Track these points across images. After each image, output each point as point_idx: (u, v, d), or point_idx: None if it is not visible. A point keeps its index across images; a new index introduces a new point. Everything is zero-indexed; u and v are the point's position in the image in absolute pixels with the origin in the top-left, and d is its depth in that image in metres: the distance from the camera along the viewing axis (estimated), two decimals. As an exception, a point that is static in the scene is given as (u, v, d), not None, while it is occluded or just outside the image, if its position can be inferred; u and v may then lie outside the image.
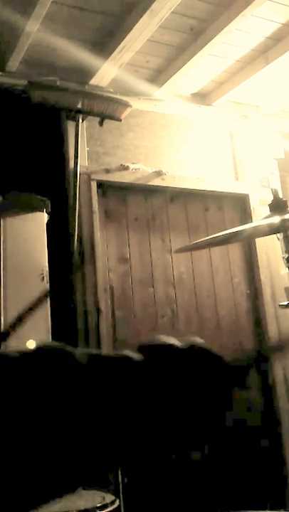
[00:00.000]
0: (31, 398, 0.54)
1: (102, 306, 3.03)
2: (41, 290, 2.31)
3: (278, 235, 2.27)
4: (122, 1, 2.66)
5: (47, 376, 0.56)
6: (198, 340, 0.63)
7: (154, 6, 2.58)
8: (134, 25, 2.72)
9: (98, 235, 3.13)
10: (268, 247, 3.62)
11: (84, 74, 3.19)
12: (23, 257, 2.34)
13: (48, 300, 2.32)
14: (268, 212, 2.22)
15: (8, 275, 2.28)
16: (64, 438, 0.54)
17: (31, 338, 2.21)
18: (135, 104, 3.26)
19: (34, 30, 2.69)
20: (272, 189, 2.23)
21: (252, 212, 3.65)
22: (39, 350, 0.61)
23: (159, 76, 3.38)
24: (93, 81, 3.22)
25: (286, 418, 3.37)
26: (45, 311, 2.30)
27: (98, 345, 2.95)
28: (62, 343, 0.61)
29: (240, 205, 3.72)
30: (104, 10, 2.72)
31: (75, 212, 2.97)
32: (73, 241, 2.93)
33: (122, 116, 3.08)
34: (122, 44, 2.86)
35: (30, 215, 2.42)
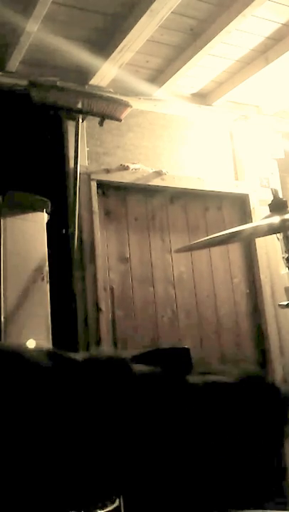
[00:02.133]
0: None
1: (102, 305, 3.03)
2: (41, 290, 2.31)
3: (278, 235, 2.27)
4: (122, 1, 2.66)
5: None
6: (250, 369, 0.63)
7: (154, 6, 2.58)
8: (134, 25, 2.72)
9: (98, 234, 3.13)
10: (268, 247, 3.62)
11: (84, 74, 3.20)
12: (23, 257, 2.34)
13: (48, 299, 2.32)
14: (267, 212, 2.22)
15: (8, 275, 2.28)
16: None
17: (31, 338, 2.21)
18: (135, 104, 3.26)
19: (34, 30, 2.69)
20: (272, 189, 2.23)
21: (252, 212, 3.65)
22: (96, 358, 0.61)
23: (159, 76, 3.38)
24: (93, 81, 3.23)
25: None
26: (46, 310, 2.30)
27: (98, 345, 2.95)
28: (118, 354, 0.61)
29: (240, 205, 3.72)
30: (104, 10, 2.72)
31: (75, 212, 2.97)
32: (73, 241, 2.93)
33: (122, 116, 3.08)
34: (122, 44, 2.86)
35: (30, 215, 2.42)
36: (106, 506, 0.92)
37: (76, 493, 0.55)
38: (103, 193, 3.29)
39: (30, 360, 0.60)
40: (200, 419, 0.59)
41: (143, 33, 2.80)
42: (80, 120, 3.00)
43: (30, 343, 2.13)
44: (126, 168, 3.33)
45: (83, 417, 0.55)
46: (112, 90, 3.30)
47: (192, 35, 2.99)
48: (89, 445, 0.54)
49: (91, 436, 0.54)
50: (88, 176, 3.18)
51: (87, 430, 0.55)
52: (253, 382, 0.63)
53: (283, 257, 2.24)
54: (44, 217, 2.47)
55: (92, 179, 3.20)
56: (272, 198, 2.19)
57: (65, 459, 0.53)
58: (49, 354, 0.60)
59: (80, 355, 0.61)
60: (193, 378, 0.63)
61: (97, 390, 0.56)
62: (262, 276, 3.56)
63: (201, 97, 3.68)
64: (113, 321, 3.12)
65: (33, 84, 2.86)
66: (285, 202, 2.18)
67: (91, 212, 3.14)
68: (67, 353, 0.63)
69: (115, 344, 3.07)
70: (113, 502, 0.96)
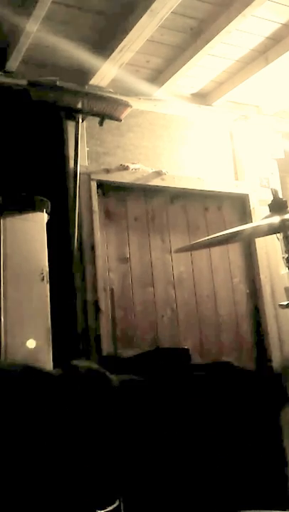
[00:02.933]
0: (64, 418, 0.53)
1: (102, 306, 3.03)
2: (41, 290, 2.31)
3: (278, 235, 2.27)
4: (122, 1, 2.66)
5: (83, 398, 0.55)
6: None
7: (154, 6, 2.58)
8: (134, 25, 2.72)
9: (98, 235, 3.13)
10: (268, 247, 3.62)
11: (84, 74, 3.19)
12: (23, 257, 2.34)
13: (48, 300, 2.32)
14: (267, 212, 2.22)
15: (8, 275, 2.28)
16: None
17: (31, 338, 2.21)
18: (135, 104, 3.26)
19: (34, 30, 2.69)
20: (272, 189, 2.23)
21: (252, 212, 3.65)
22: (75, 370, 0.61)
23: (159, 76, 3.38)
24: (93, 81, 3.22)
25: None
26: (45, 310, 2.30)
27: (98, 345, 2.94)
28: (96, 366, 0.61)
29: (240, 205, 3.72)
30: (104, 10, 2.72)
31: (75, 212, 2.97)
32: (73, 241, 2.93)
33: (122, 116, 3.09)
34: (122, 44, 2.86)
35: (30, 215, 2.42)
36: (106, 507, 0.92)
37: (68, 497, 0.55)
38: (103, 193, 3.29)
39: (3, 374, 0.60)
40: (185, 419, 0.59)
41: (143, 33, 2.80)
42: (80, 120, 3.00)
43: (30, 343, 2.12)
44: (126, 168, 3.33)
45: (66, 422, 0.55)
46: (112, 90, 3.30)
47: (192, 35, 2.99)
48: (73, 449, 0.53)
49: (75, 441, 0.54)
50: (88, 176, 3.18)
51: (71, 435, 0.55)
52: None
53: (283, 257, 2.23)
54: (44, 217, 2.47)
55: (92, 179, 3.20)
56: (272, 198, 2.19)
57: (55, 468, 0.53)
58: (24, 369, 0.59)
59: (55, 370, 0.61)
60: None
61: (75, 403, 0.56)
62: (262, 277, 3.56)
63: (201, 97, 3.68)
64: (113, 321, 3.11)
65: (32, 84, 2.86)
66: (285, 202, 2.18)
67: (91, 212, 3.14)
68: (42, 367, 0.63)
69: (115, 344, 3.06)
70: (113, 502, 0.96)
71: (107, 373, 0.60)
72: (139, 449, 0.55)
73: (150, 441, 0.56)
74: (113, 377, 0.60)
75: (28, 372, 0.58)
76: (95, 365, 0.62)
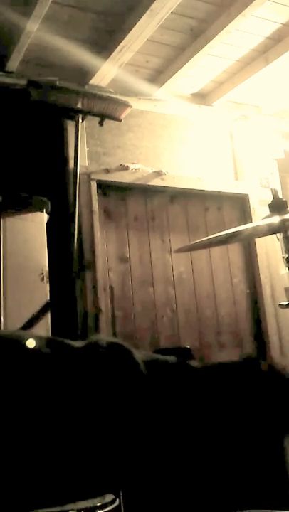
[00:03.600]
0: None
1: (102, 305, 3.02)
2: (41, 290, 2.31)
3: (278, 235, 2.27)
4: (122, 1, 2.66)
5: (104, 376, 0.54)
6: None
7: (154, 6, 2.58)
8: (134, 25, 2.72)
9: (98, 234, 3.13)
10: (268, 247, 3.62)
11: (84, 74, 3.20)
12: (23, 257, 2.34)
13: (48, 299, 2.32)
14: (267, 212, 2.22)
15: (8, 275, 2.28)
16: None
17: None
18: (135, 104, 3.26)
19: (34, 30, 2.69)
20: (272, 189, 2.23)
21: (252, 212, 3.65)
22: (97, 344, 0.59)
23: (159, 76, 3.38)
24: (93, 81, 3.23)
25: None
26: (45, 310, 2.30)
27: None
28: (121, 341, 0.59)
29: (240, 205, 3.72)
30: (104, 10, 2.72)
31: (75, 212, 2.97)
32: (73, 241, 2.93)
33: (122, 117, 3.08)
34: (122, 44, 2.86)
35: (30, 215, 2.42)
36: (106, 507, 0.92)
37: (76, 483, 0.54)
38: (103, 193, 3.29)
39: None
40: (203, 402, 0.58)
41: (143, 33, 2.80)
42: (80, 120, 3.00)
43: (30, 343, 2.12)
44: (126, 168, 3.33)
45: (82, 405, 0.53)
46: (112, 90, 3.29)
47: (192, 35, 2.99)
48: (88, 434, 0.53)
49: (91, 425, 0.53)
50: (88, 176, 3.18)
51: (87, 418, 0.54)
52: (251, 364, 0.63)
53: (283, 257, 2.24)
54: (44, 217, 2.47)
55: (92, 179, 3.20)
56: (272, 198, 2.19)
57: (62, 448, 0.52)
58: (48, 341, 0.59)
59: (79, 343, 0.60)
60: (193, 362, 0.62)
61: (97, 376, 0.55)
62: (262, 277, 3.56)
63: (201, 97, 3.68)
64: (113, 321, 3.11)
65: (32, 84, 2.86)
66: (285, 202, 2.18)
67: (91, 212, 3.14)
68: (66, 340, 0.61)
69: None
70: (113, 502, 0.96)
71: (133, 350, 0.58)
72: (149, 439, 0.54)
73: (162, 431, 0.55)
74: (140, 355, 0.58)
75: (52, 345, 0.57)
76: (119, 341, 0.60)
